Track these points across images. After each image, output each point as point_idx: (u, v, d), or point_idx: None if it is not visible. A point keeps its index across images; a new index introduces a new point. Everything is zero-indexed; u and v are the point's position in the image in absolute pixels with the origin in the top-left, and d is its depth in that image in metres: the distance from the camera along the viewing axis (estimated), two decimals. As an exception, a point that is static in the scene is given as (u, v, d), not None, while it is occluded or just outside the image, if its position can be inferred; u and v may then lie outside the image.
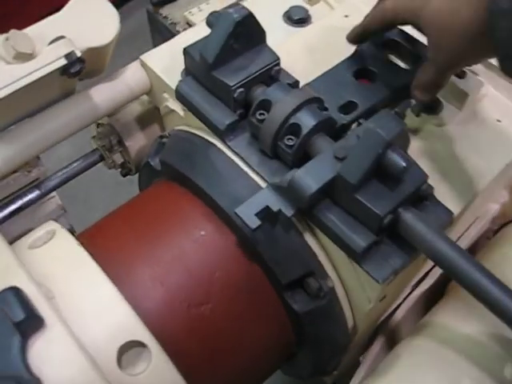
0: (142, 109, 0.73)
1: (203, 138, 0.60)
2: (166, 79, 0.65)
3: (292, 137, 0.54)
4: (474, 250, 0.70)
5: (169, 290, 0.54)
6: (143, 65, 0.67)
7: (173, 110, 0.65)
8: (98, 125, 0.75)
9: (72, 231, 0.73)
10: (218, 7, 0.81)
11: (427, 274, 0.68)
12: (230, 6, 0.56)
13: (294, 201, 0.50)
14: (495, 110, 0.63)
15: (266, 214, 0.50)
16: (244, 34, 0.57)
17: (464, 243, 0.69)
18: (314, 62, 0.66)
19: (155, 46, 0.69)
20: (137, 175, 0.74)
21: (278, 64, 0.59)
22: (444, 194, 0.55)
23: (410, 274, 0.63)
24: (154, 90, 0.68)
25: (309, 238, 0.54)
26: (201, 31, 0.69)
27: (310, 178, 0.49)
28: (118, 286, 0.50)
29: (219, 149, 0.58)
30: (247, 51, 0.58)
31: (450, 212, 0.53)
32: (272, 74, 0.59)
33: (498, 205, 0.71)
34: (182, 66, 0.63)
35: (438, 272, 0.68)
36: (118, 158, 0.75)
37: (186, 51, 0.59)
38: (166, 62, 0.66)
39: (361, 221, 0.49)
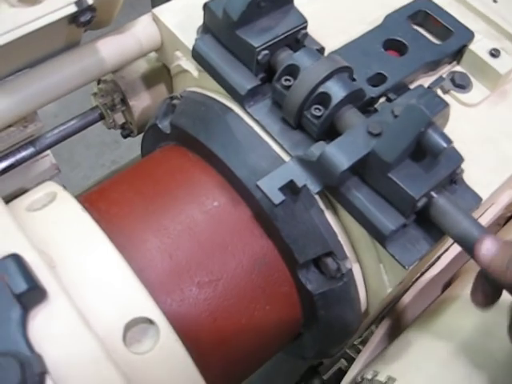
0: (148, 67, 0.69)
1: (220, 102, 0.55)
2: (181, 36, 0.60)
3: (320, 107, 0.50)
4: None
5: (178, 264, 0.50)
6: (155, 19, 0.62)
7: (185, 70, 0.61)
8: (100, 81, 0.70)
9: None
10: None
11: (438, 258, 0.66)
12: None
13: (322, 177, 0.47)
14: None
15: (289, 188, 0.47)
16: None
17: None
18: (339, 27, 0.62)
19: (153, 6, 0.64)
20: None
21: (306, 27, 0.55)
22: (471, 178, 0.52)
23: (428, 259, 0.60)
24: (166, 47, 0.64)
25: (330, 216, 0.51)
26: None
27: (342, 153, 0.45)
28: (123, 257, 0.47)
29: (238, 114, 0.54)
30: (273, 11, 0.54)
31: (478, 197, 0.51)
32: (298, 38, 0.55)
33: (512, 191, 0.69)
34: (198, 23, 0.58)
35: (448, 257, 0.66)
36: (120, 118, 0.70)
37: (206, 6, 0.55)
38: (180, 17, 0.62)
39: (391, 202, 0.46)
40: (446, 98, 0.57)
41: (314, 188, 0.47)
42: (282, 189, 0.46)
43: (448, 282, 0.68)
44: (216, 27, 0.55)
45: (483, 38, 0.60)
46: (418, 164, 0.45)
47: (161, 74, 0.68)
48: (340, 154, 0.45)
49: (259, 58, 0.53)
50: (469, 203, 0.50)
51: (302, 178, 0.47)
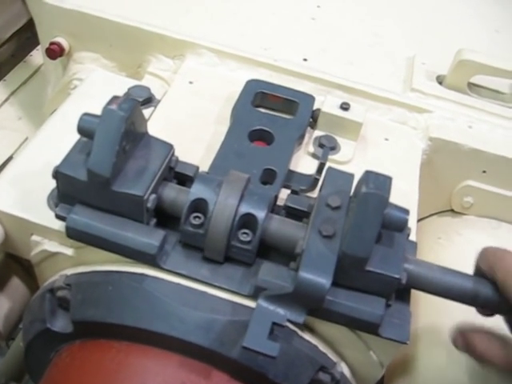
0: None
1: (126, 273, 0.47)
2: (33, 217, 0.50)
3: (246, 231, 0.45)
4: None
5: None
6: (-14, 211, 0.51)
7: (54, 253, 0.51)
8: None
9: None
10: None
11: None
12: (110, 102, 0.45)
13: (304, 304, 0.42)
14: (379, 131, 0.63)
15: (274, 332, 0.41)
16: (132, 130, 0.46)
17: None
18: (191, 137, 0.58)
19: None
20: None
21: (174, 152, 0.50)
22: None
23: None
24: (12, 236, 0.52)
25: (309, 336, 0.47)
26: (40, 145, 0.56)
27: (317, 273, 0.41)
28: None
29: (155, 277, 0.46)
30: (136, 148, 0.48)
31: (414, 242, 0.51)
32: (171, 166, 0.50)
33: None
34: (40, 193, 0.49)
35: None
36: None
37: (58, 173, 0.46)
38: (14, 195, 0.51)
39: (372, 291, 0.44)
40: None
41: (297, 318, 0.42)
42: (270, 337, 0.40)
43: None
44: (81, 192, 0.46)
45: (326, 96, 0.61)
46: (380, 244, 0.44)
47: (8, 268, 0.56)
48: (316, 275, 0.41)
49: (148, 205, 0.46)
50: (412, 250, 0.50)
51: (282, 316, 0.42)
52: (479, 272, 0.47)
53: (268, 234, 0.46)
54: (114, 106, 0.44)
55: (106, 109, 0.44)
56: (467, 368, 0.56)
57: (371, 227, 0.41)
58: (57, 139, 0.49)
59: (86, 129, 0.45)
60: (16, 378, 0.67)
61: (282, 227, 0.46)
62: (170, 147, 0.49)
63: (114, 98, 0.44)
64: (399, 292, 0.46)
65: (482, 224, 0.69)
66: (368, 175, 0.41)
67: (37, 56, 1.07)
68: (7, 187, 0.52)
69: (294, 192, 0.52)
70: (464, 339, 0.47)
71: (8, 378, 0.66)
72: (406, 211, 0.43)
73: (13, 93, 1.00)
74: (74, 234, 0.47)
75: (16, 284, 0.57)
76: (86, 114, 0.45)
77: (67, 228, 0.46)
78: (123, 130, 0.43)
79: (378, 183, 0.41)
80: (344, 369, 0.50)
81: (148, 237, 0.46)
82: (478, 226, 0.68)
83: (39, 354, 0.53)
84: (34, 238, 0.51)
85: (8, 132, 0.92)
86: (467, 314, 0.49)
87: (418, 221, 0.63)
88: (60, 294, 0.49)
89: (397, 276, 0.42)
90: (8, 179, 0.53)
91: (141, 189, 0.45)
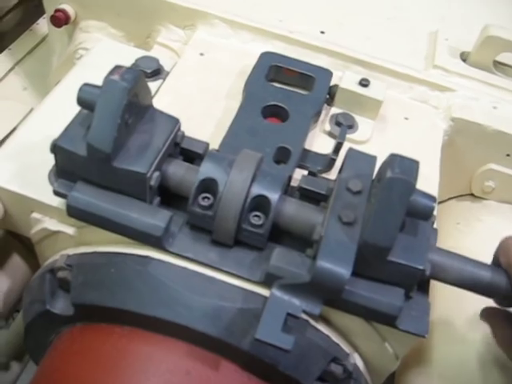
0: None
1: (130, 255, 0.44)
2: (33, 194, 0.47)
3: (258, 213, 0.43)
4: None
5: None
6: (-17, 186, 0.48)
7: (55, 232, 0.48)
8: None
9: None
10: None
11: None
12: (113, 72, 0.42)
13: (322, 294, 0.40)
14: (399, 110, 0.60)
15: (288, 322, 0.39)
16: (135, 103, 0.43)
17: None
18: (200, 112, 0.55)
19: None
20: None
21: (180, 127, 0.47)
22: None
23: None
24: (12, 213, 0.50)
25: (322, 326, 0.44)
26: (42, 117, 0.54)
27: (336, 262, 0.38)
28: None
29: (161, 260, 0.44)
30: (139, 122, 0.45)
31: (436, 229, 0.48)
32: (177, 141, 0.47)
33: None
34: (40, 169, 0.46)
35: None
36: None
37: (57, 147, 0.43)
38: (13, 171, 0.49)
39: (393, 282, 0.41)
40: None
41: (313, 309, 0.40)
42: (283, 329, 0.38)
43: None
44: (81, 168, 0.44)
45: (344, 72, 0.58)
46: (403, 232, 0.41)
47: (8, 246, 0.54)
48: (335, 265, 0.38)
49: (152, 183, 0.43)
50: (433, 237, 0.47)
51: (297, 306, 0.39)
52: (497, 263, 0.44)
53: (282, 218, 0.43)
54: (116, 77, 0.41)
55: (107, 79, 0.41)
56: (483, 359, 0.54)
57: (395, 215, 0.38)
58: (60, 111, 0.46)
59: (87, 100, 0.42)
60: (17, 357, 0.65)
61: (297, 211, 0.43)
62: (175, 121, 0.46)
63: (117, 67, 0.41)
64: (419, 282, 0.43)
65: (504, 210, 0.65)
66: (393, 158, 0.38)
67: (44, 25, 1.02)
68: (7, 162, 0.50)
69: (310, 173, 0.49)
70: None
71: (9, 357, 0.64)
72: (433, 198, 0.40)
73: (18, 62, 0.97)
74: (76, 213, 0.44)
75: (17, 262, 0.55)
76: (86, 85, 0.42)
77: (68, 206, 0.44)
78: (126, 102, 0.41)
79: (404, 167, 0.38)
80: (357, 360, 0.47)
81: (153, 217, 0.43)
82: (499, 212, 0.65)
83: (39, 336, 0.51)
84: (35, 215, 0.48)
85: (12, 103, 0.89)
86: (483, 303, 0.47)
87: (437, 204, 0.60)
88: (61, 274, 0.47)
89: (421, 267, 0.40)
90: (8, 153, 0.50)
91: (143, 165, 0.42)
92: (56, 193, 0.45)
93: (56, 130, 0.44)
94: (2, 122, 0.76)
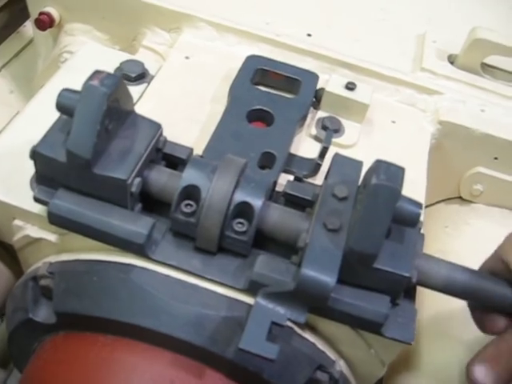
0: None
1: (113, 263, 0.44)
2: (14, 201, 0.47)
3: (241, 220, 0.42)
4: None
5: None
6: (-34, 195, 0.48)
7: (37, 239, 0.48)
8: None
9: None
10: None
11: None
12: (92, 77, 0.41)
13: (307, 302, 0.39)
14: (386, 113, 0.60)
15: (272, 331, 0.38)
16: (116, 108, 0.42)
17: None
18: (184, 116, 0.54)
19: None
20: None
21: (162, 132, 0.46)
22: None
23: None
24: (-7, 220, 0.49)
25: (307, 334, 0.44)
26: (25, 122, 0.53)
27: (321, 270, 0.37)
28: None
29: (143, 268, 0.43)
30: (120, 128, 0.44)
31: (422, 234, 0.48)
32: (159, 147, 0.46)
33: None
34: (18, 176, 0.46)
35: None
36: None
37: (36, 153, 0.42)
38: (-6, 178, 0.48)
39: (378, 289, 0.41)
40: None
41: (298, 318, 0.39)
42: (268, 338, 0.37)
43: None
44: (61, 174, 0.43)
45: (331, 75, 0.57)
46: (389, 239, 0.40)
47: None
48: (320, 272, 0.37)
49: (133, 189, 0.43)
50: (420, 243, 0.47)
51: (282, 315, 0.39)
52: (494, 265, 0.43)
53: (266, 224, 0.42)
54: (95, 82, 0.40)
55: (86, 84, 0.40)
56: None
57: (381, 222, 0.37)
58: (43, 116, 0.45)
59: (66, 106, 0.42)
60: (2, 364, 0.64)
61: (282, 217, 0.43)
62: (157, 126, 0.45)
63: (96, 72, 0.40)
64: (405, 289, 0.43)
65: (492, 213, 0.65)
66: (379, 165, 0.38)
67: (30, 27, 1.02)
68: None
69: (296, 178, 0.48)
70: None
71: (-7, 364, 0.63)
72: (419, 205, 0.39)
73: (4, 65, 0.96)
74: (57, 221, 0.43)
75: (0, 269, 0.54)
76: (65, 90, 0.42)
77: (49, 214, 0.43)
78: (105, 107, 0.40)
79: (389, 174, 0.37)
80: (343, 367, 0.47)
81: (136, 225, 0.42)
82: (488, 216, 0.65)
83: (22, 344, 0.50)
84: (17, 222, 0.48)
85: (-1, 106, 0.89)
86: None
87: (425, 208, 0.60)
88: (43, 282, 0.46)
89: (407, 274, 0.39)
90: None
91: (124, 172, 0.42)
92: (37, 199, 0.44)
93: (39, 135, 0.43)
94: (-12, 126, 0.75)
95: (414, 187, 0.51)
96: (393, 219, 0.38)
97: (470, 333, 0.53)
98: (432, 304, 0.56)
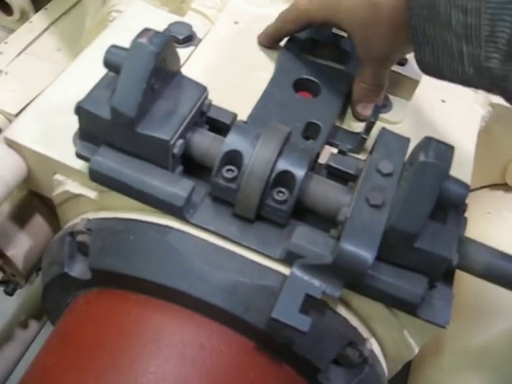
0: (13, 202, 0.54)
1: (150, 224, 0.44)
2: (56, 155, 0.47)
3: (282, 189, 0.42)
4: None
5: None
6: (10, 144, 0.48)
7: (77, 195, 0.48)
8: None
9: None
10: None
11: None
12: (141, 35, 0.40)
13: (343, 277, 0.38)
14: (436, 91, 0.58)
15: (305, 303, 0.38)
16: (163, 68, 0.42)
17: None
18: (230, 83, 0.53)
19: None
20: None
21: (207, 95, 0.46)
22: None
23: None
24: (35, 173, 0.50)
25: (340, 309, 0.43)
26: (70, 79, 0.53)
27: (360, 245, 0.37)
28: None
29: (181, 231, 0.43)
30: (166, 88, 0.44)
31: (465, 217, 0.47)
32: (203, 110, 0.46)
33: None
34: (66, 131, 0.46)
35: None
36: (-4, 275, 0.55)
37: (80, 109, 0.42)
38: (39, 131, 0.48)
39: (417, 270, 0.40)
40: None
41: (333, 292, 0.39)
42: (301, 310, 0.37)
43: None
44: (104, 131, 0.43)
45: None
46: (432, 219, 0.39)
47: (31, 206, 0.54)
48: (359, 248, 0.37)
49: (175, 151, 0.42)
50: (463, 226, 0.45)
51: (317, 287, 0.38)
52: None
53: (306, 195, 0.42)
54: (144, 40, 0.40)
55: (135, 42, 0.39)
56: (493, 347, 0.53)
57: (426, 201, 0.36)
58: (89, 73, 0.45)
59: (113, 62, 0.41)
60: (36, 316, 0.66)
61: (323, 189, 0.42)
62: (203, 89, 0.45)
63: (145, 30, 0.40)
64: (444, 272, 0.42)
65: (538, 203, 0.63)
66: (428, 142, 0.36)
67: (81, -15, 1.02)
68: (32, 122, 0.49)
69: (340, 152, 0.47)
70: None
71: (28, 315, 0.64)
72: (466, 186, 0.38)
73: (53, 22, 0.96)
74: (98, 178, 0.44)
75: (39, 223, 0.55)
76: (113, 47, 0.41)
77: (91, 170, 0.43)
78: (152, 66, 0.39)
79: (438, 152, 0.36)
80: (374, 346, 0.46)
81: (175, 187, 0.42)
82: (534, 205, 0.63)
83: (56, 297, 0.51)
84: (57, 177, 0.48)
85: (46, 63, 0.89)
86: (506, 294, 0.45)
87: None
88: (80, 238, 0.47)
89: (448, 257, 0.38)
90: (34, 114, 0.50)
91: (167, 132, 0.41)
92: (79, 155, 0.44)
93: (84, 91, 0.43)
94: (35, 82, 0.75)
95: (461, 170, 0.49)
96: (438, 199, 0.37)
97: (500, 323, 0.53)
98: (465, 293, 0.55)
